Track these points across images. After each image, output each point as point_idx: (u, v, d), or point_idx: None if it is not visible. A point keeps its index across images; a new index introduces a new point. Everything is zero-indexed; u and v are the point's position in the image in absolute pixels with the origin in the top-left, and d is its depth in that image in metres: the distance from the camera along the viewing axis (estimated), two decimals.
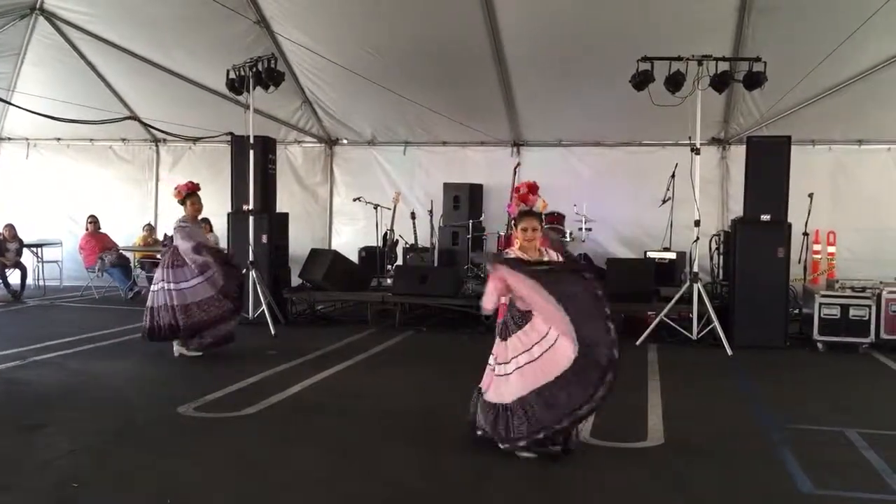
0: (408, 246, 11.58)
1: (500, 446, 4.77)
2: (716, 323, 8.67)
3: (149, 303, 7.97)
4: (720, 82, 8.85)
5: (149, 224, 13.37)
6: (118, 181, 13.88)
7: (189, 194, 8.07)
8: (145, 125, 12.51)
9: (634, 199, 11.68)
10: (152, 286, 8.09)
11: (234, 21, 10.18)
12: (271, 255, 10.24)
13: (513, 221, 5.10)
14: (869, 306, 8.57)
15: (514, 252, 4.94)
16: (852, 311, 8.61)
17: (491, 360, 4.99)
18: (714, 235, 10.55)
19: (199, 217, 8.40)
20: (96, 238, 12.70)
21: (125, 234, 13.28)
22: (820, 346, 8.71)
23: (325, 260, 10.58)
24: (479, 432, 4.95)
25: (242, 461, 4.83)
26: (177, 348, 8.00)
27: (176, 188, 8.20)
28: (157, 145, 13.85)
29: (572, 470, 4.63)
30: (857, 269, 10.54)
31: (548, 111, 11.59)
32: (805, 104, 10.65)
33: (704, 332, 8.81)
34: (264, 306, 9.44)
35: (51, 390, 6.53)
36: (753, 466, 4.83)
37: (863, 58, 9.74)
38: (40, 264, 13.33)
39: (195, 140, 12.65)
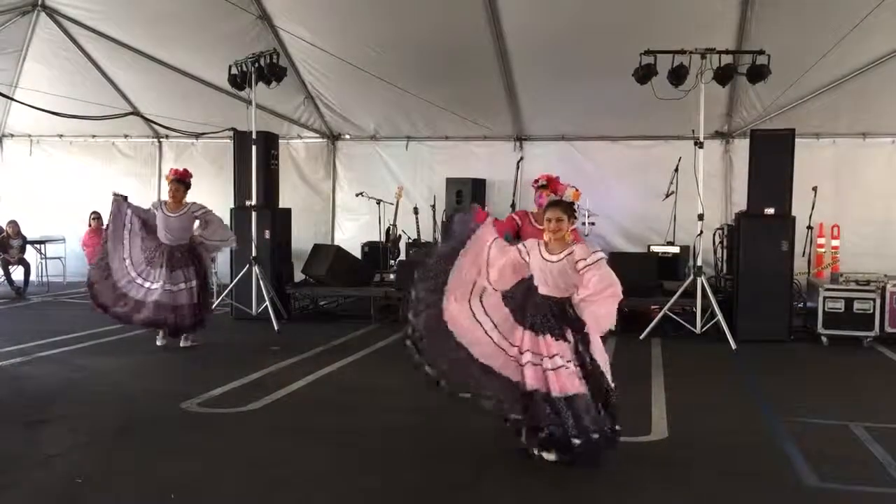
0: (411, 241, 11.57)
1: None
2: (720, 317, 8.65)
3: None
4: (723, 75, 8.84)
5: None
6: (121, 177, 13.78)
7: (174, 180, 8.15)
8: (148, 121, 12.50)
9: (638, 193, 11.66)
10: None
11: (236, 16, 10.17)
12: (274, 251, 10.24)
13: (540, 213, 4.98)
14: (873, 299, 8.55)
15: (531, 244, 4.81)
16: (857, 305, 8.59)
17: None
18: (718, 229, 10.52)
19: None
20: (99, 234, 12.66)
21: None
22: (824, 339, 8.69)
23: (327, 255, 10.57)
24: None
25: (246, 457, 4.83)
26: (160, 340, 8.16)
27: (171, 169, 8.41)
28: (159, 141, 13.85)
29: (575, 464, 4.60)
30: (861, 263, 10.49)
31: (550, 105, 11.56)
32: (809, 97, 10.62)
33: (708, 325, 8.79)
34: (267, 302, 9.44)
35: (54, 386, 6.54)
36: (758, 460, 4.82)
37: (867, 50, 9.69)
38: (43, 261, 13.36)
39: (198, 136, 12.63)
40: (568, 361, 4.57)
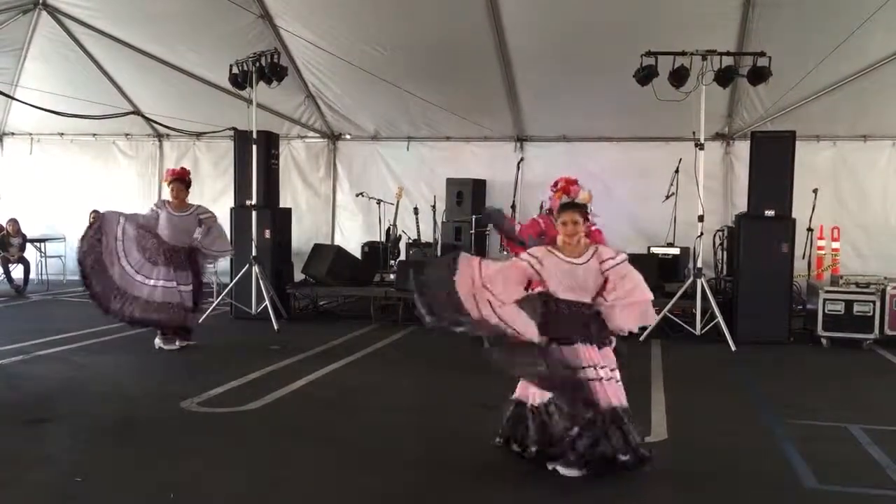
0: (410, 241, 11.57)
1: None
2: (719, 318, 8.66)
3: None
4: (724, 77, 8.84)
5: None
6: (122, 176, 13.89)
7: (173, 180, 8.10)
8: (148, 120, 12.51)
9: (638, 195, 11.64)
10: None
11: (238, 16, 10.17)
12: (274, 251, 10.23)
13: (554, 216, 4.78)
14: (873, 302, 8.55)
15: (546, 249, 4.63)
16: (856, 307, 8.59)
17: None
18: (718, 231, 10.51)
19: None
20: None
21: None
22: (824, 341, 8.69)
23: (327, 255, 10.58)
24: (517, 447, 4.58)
25: (245, 456, 4.83)
26: (157, 341, 8.09)
27: (167, 171, 8.40)
28: (160, 140, 13.84)
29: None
30: (861, 265, 10.52)
31: (551, 106, 11.56)
32: (809, 99, 10.62)
33: (708, 327, 8.79)
34: (267, 301, 9.44)
35: (54, 385, 6.54)
36: (757, 462, 4.82)
37: (868, 53, 9.69)
38: (43, 259, 13.36)
39: (198, 135, 12.64)
40: (612, 370, 4.46)
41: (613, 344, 4.58)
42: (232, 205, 10.47)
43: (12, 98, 11.62)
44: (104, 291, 7.77)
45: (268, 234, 10.13)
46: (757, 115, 11.12)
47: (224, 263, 10.66)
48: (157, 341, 8.09)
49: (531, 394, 4.56)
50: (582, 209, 4.62)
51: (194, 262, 8.15)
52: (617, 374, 4.47)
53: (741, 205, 10.07)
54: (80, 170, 13.88)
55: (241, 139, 10.37)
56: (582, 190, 4.72)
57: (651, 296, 4.48)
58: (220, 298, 10.01)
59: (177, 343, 8.09)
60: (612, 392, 4.41)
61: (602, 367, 4.41)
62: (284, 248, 10.69)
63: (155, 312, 7.84)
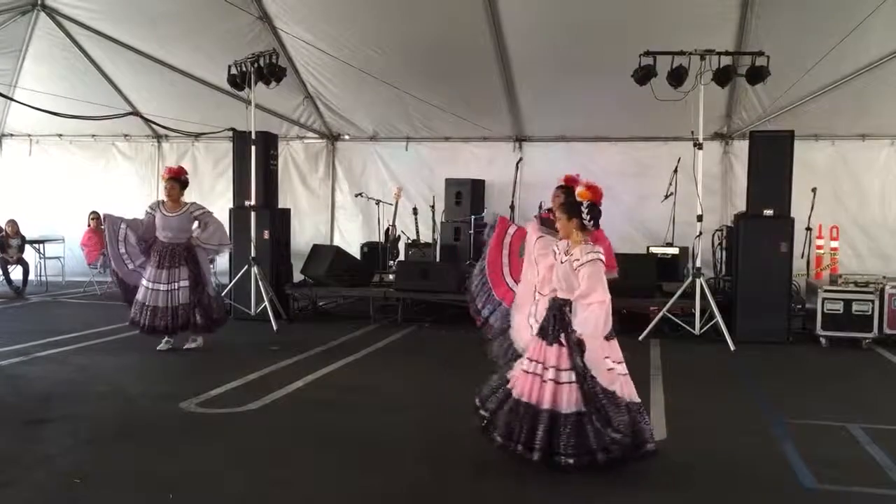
0: (409, 241, 11.58)
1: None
2: (718, 318, 8.66)
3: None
4: (723, 77, 8.85)
5: None
6: (121, 177, 13.88)
7: (168, 178, 8.06)
8: (147, 121, 12.50)
9: (637, 195, 11.66)
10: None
11: (236, 16, 10.16)
12: (273, 251, 10.22)
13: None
14: (872, 301, 8.56)
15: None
16: (855, 307, 8.59)
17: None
18: (717, 230, 10.53)
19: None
20: (98, 234, 12.65)
21: None
22: (823, 341, 8.70)
23: (326, 256, 10.58)
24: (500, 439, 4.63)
25: (244, 457, 4.83)
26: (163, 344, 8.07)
27: (165, 168, 8.41)
28: (159, 141, 13.84)
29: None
30: (860, 264, 10.51)
31: (550, 106, 11.57)
32: (808, 98, 10.62)
33: (707, 327, 8.80)
34: (266, 302, 9.45)
35: (53, 386, 6.54)
36: (756, 461, 4.82)
37: (866, 52, 9.70)
38: (42, 260, 13.35)
39: (197, 136, 12.64)
40: (561, 371, 4.42)
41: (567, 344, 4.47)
42: (231, 205, 10.47)
43: (11, 99, 11.62)
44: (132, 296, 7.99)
45: (267, 234, 10.12)
46: (756, 114, 11.13)
47: (223, 264, 10.67)
48: (162, 345, 8.06)
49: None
50: (568, 206, 4.73)
51: (193, 259, 8.05)
52: (563, 374, 4.40)
53: (740, 204, 10.08)
54: (79, 171, 13.88)
55: (240, 140, 10.37)
56: (578, 186, 4.82)
57: (605, 297, 4.36)
58: None
59: (189, 340, 8.09)
60: (543, 394, 4.44)
61: (549, 367, 4.43)
62: (283, 248, 10.68)
63: (152, 318, 7.81)
